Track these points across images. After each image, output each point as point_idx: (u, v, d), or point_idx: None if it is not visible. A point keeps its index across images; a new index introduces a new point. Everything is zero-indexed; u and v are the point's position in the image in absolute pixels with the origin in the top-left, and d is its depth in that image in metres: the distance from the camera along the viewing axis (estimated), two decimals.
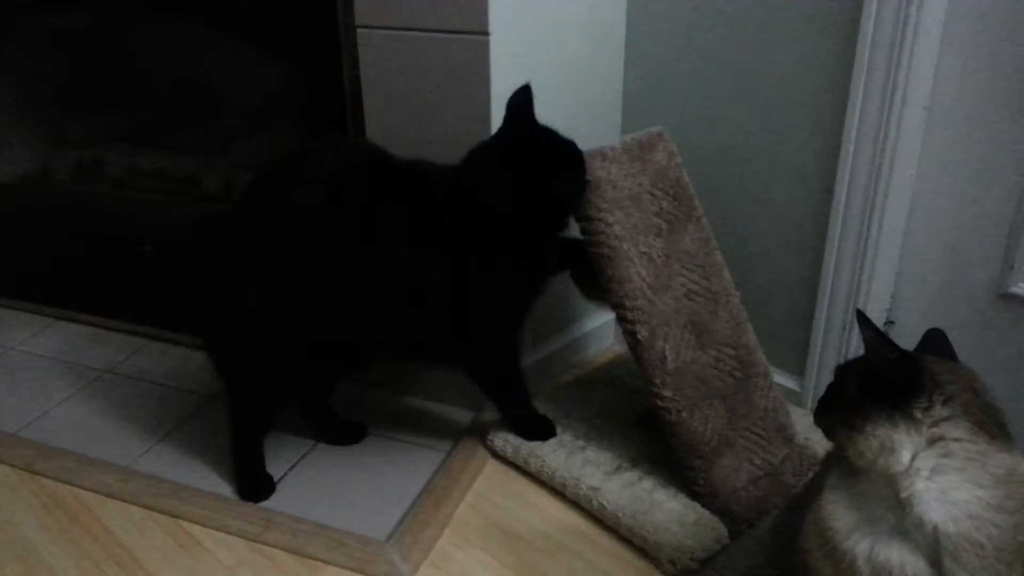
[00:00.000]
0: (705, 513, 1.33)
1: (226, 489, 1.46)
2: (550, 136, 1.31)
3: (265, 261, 1.32)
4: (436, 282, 1.31)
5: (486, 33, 1.36)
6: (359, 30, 1.48)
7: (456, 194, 1.29)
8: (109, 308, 2.01)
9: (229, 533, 1.37)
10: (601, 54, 1.64)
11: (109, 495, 1.45)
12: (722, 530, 1.31)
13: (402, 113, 1.51)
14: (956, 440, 0.82)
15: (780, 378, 1.60)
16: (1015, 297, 1.38)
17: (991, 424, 0.84)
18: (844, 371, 0.91)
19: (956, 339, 1.44)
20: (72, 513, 1.41)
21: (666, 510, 1.33)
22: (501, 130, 1.32)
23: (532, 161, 1.28)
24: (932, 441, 0.82)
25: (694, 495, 1.35)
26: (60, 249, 2.07)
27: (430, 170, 1.34)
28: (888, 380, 0.85)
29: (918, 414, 0.83)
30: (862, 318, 0.88)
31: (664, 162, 1.45)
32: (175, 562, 1.31)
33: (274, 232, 1.32)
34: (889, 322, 1.53)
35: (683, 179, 1.46)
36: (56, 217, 2.09)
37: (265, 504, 1.43)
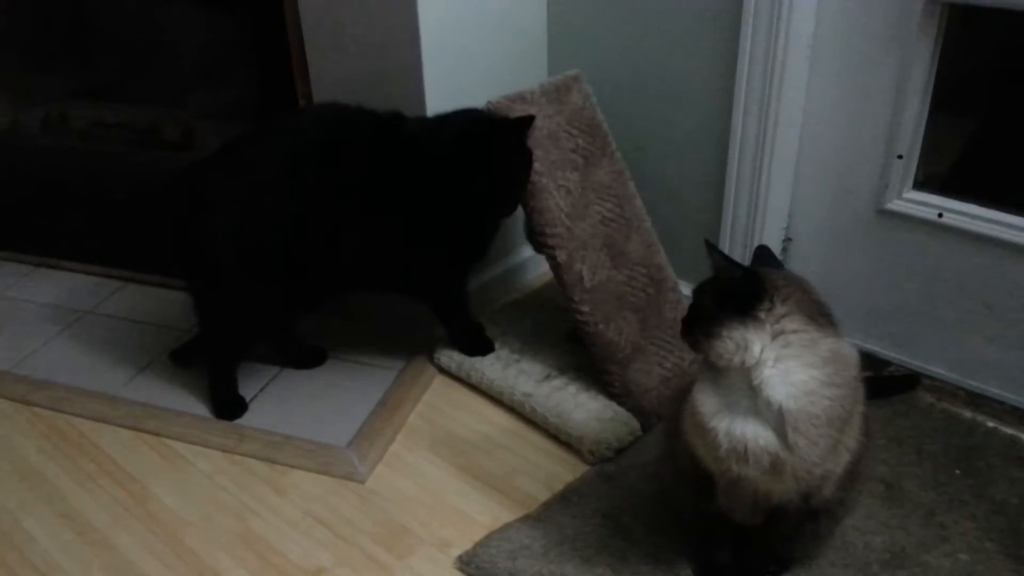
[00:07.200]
0: (621, 411, 1.52)
1: (204, 410, 1.62)
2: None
3: (250, 206, 1.44)
4: (405, 228, 1.47)
5: None
6: None
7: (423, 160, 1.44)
8: (83, 254, 2.12)
9: (208, 447, 1.53)
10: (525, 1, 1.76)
11: (99, 420, 1.60)
12: (635, 424, 1.50)
13: (341, 57, 1.61)
14: (793, 332, 1.01)
15: (689, 291, 1.77)
16: (889, 212, 1.56)
17: (819, 316, 1.03)
18: (700, 292, 1.09)
19: (845, 251, 1.64)
20: (67, 437, 1.57)
21: (587, 410, 1.52)
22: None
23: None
24: (775, 336, 1.01)
25: (611, 396, 1.54)
26: (34, 200, 2.17)
27: (404, 125, 1.48)
28: (737, 293, 1.02)
29: (763, 315, 1.01)
30: (709, 245, 1.06)
31: (580, 103, 1.60)
32: (161, 473, 1.48)
33: (261, 181, 1.45)
34: (787, 239, 1.71)
35: (597, 118, 1.62)
36: (29, 169, 2.18)
37: (239, 421, 1.59)
